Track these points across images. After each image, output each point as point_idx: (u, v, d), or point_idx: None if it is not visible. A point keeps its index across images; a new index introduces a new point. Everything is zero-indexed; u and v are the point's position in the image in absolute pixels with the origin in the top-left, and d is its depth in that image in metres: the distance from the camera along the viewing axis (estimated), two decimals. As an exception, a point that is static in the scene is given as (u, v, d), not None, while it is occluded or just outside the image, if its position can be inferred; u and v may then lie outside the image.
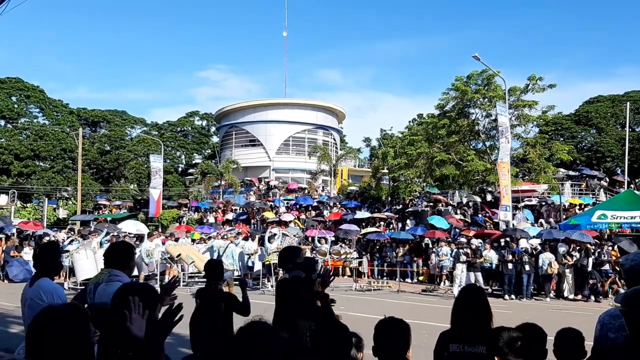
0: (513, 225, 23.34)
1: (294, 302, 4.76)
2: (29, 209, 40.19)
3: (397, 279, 21.96)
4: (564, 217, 24.25)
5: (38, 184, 48.39)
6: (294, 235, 25.46)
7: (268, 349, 2.30)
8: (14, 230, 24.39)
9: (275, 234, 20.91)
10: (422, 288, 20.81)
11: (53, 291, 4.46)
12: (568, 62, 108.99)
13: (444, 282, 21.25)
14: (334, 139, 56.72)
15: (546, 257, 18.43)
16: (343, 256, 22.94)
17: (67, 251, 19.27)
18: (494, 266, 19.56)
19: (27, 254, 20.28)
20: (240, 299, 5.42)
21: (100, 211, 39.49)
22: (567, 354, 3.09)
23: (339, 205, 35.30)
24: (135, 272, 16.31)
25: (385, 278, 23.08)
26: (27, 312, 4.55)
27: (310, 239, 26.08)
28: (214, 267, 5.72)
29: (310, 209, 35.86)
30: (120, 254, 4.66)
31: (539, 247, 19.54)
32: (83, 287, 8.78)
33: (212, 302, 5.20)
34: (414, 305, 16.39)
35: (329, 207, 35.02)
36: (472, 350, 2.93)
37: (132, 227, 26.91)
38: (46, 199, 40.31)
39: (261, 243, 21.16)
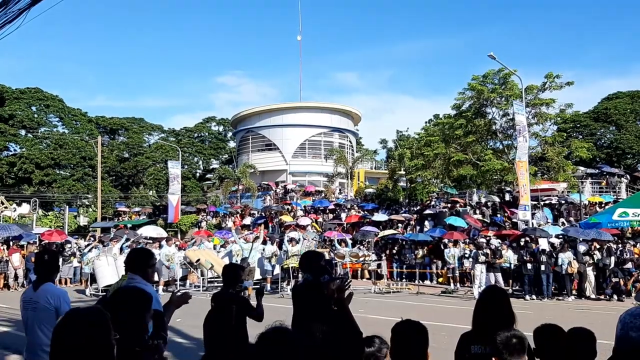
0: (532, 224, 23.13)
1: (305, 306, 4.80)
2: (50, 217, 40.73)
3: (416, 281, 21.87)
4: (585, 215, 23.99)
5: (59, 192, 49.09)
6: (312, 239, 25.49)
7: (290, 355, 2.33)
8: (36, 239, 24.69)
9: (293, 238, 20.92)
10: (442, 289, 20.68)
11: (60, 295, 4.66)
12: (586, 60, 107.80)
13: (455, 284, 21.00)
14: (350, 141, 56.69)
15: (566, 257, 18.22)
16: (361, 259, 22.89)
17: (82, 256, 19.46)
18: (512, 266, 19.37)
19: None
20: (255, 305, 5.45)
21: (120, 218, 39.88)
22: (573, 353, 3.07)
23: (357, 208, 35.24)
24: (156, 278, 16.43)
25: (404, 280, 22.98)
26: (32, 315, 4.69)
27: (328, 241, 26.11)
28: (231, 272, 5.78)
29: (327, 211, 35.85)
30: (139, 260, 4.73)
31: (559, 247, 19.33)
32: (104, 294, 8.90)
33: (225, 305, 5.25)
34: (434, 307, 16.31)
35: (346, 210, 34.99)
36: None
37: (152, 231, 27.16)
38: (67, 206, 40.82)
39: (279, 246, 21.23)
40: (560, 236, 20.65)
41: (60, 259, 21.74)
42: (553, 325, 3.16)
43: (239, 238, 22.33)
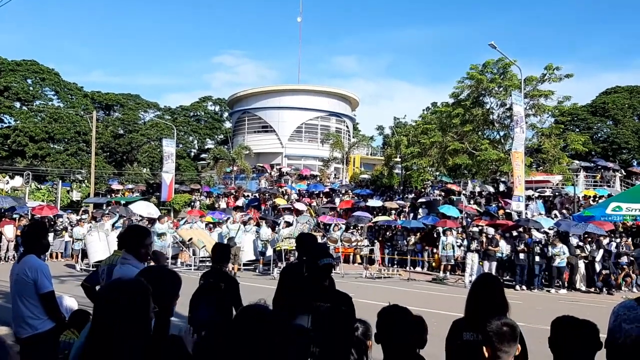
0: (525, 215, 23.19)
1: (294, 286, 4.75)
2: (43, 190, 40.51)
3: (407, 268, 21.94)
4: (578, 208, 24.06)
5: (52, 166, 48.80)
6: (306, 222, 25.50)
7: (266, 330, 2.35)
8: (29, 212, 24.57)
9: (288, 221, 20.96)
10: (432, 277, 20.76)
11: (38, 267, 4.58)
12: (585, 53, 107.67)
13: (445, 272, 21.01)
14: (346, 126, 56.54)
15: (557, 249, 18.28)
16: (354, 243, 22.94)
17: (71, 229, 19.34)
18: (504, 256, 19.43)
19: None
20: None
21: (114, 194, 39.73)
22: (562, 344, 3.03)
23: (351, 193, 35.24)
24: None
25: (395, 266, 23.06)
26: (14, 287, 4.66)
27: (322, 225, 26.13)
28: (221, 250, 5.76)
29: (321, 195, 35.84)
30: (134, 239, 4.69)
31: (551, 238, 19.38)
32: (94, 269, 8.85)
33: (213, 283, 5.24)
34: (424, 294, 16.37)
35: (340, 195, 34.98)
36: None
37: (143, 209, 26.93)
38: (60, 181, 40.60)
39: (273, 229, 21.27)
40: (553, 229, 20.69)
41: (52, 234, 21.73)
42: (571, 317, 3.09)
43: (227, 219, 22.35)
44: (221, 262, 5.68)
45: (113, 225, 19.67)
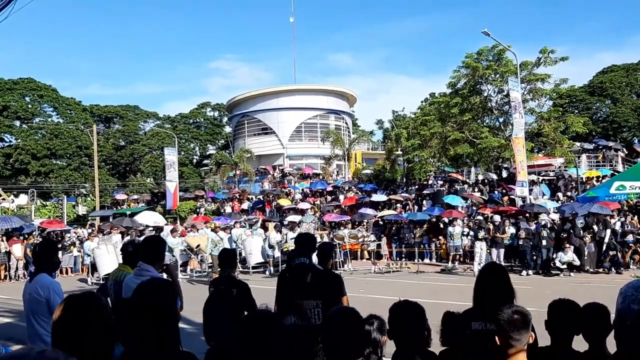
0: (530, 200, 23.20)
1: (299, 285, 4.82)
2: (49, 207, 40.66)
3: (415, 260, 21.97)
4: (582, 189, 24.06)
5: (56, 182, 49.02)
6: (311, 222, 25.58)
7: (270, 334, 2.42)
8: (36, 230, 24.67)
9: (292, 222, 21.02)
10: (441, 268, 20.79)
11: (49, 285, 4.62)
12: (580, 33, 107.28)
13: (453, 262, 21.00)
14: (346, 123, 56.55)
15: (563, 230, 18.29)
16: (360, 239, 22.99)
17: (81, 244, 19.40)
18: (515, 243, 19.40)
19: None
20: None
21: (119, 206, 39.85)
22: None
23: (355, 189, 35.27)
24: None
25: (404, 259, 23.10)
26: (28, 306, 4.72)
27: (327, 223, 26.21)
28: (228, 256, 5.79)
29: (325, 193, 35.88)
30: (152, 249, 4.76)
31: (558, 221, 19.39)
32: (105, 282, 8.93)
33: (225, 289, 5.26)
34: (434, 285, 16.41)
35: (344, 192, 35.02)
36: (494, 327, 2.94)
37: (148, 218, 27.09)
38: (65, 196, 40.73)
39: (279, 230, 21.34)
40: (560, 211, 20.69)
41: (60, 251, 21.83)
42: (568, 300, 3.17)
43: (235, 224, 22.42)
44: (229, 267, 5.70)
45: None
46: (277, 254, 20.23)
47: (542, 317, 3.16)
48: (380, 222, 26.15)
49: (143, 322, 2.46)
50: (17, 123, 54.16)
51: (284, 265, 19.41)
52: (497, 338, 2.76)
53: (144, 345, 2.46)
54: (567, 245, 18.00)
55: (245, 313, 5.06)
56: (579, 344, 3.08)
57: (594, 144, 36.11)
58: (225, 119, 65.44)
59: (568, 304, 3.14)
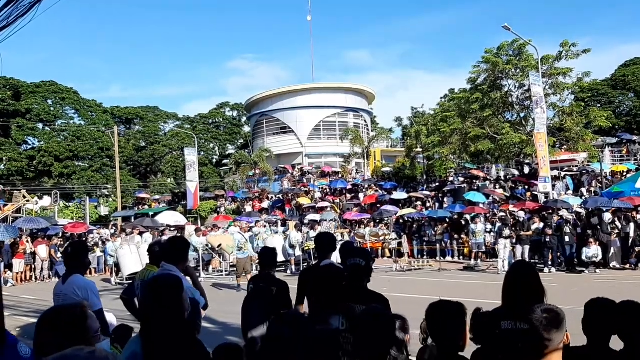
0: (553, 196, 22.90)
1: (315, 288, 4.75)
2: (72, 208, 41.24)
3: (437, 258, 21.83)
4: (607, 184, 23.69)
5: (79, 183, 49.68)
6: (331, 220, 25.59)
7: (296, 339, 2.41)
8: (60, 232, 25.00)
9: (313, 220, 21.04)
10: (464, 265, 20.62)
11: (86, 286, 4.66)
12: (602, 25, 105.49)
13: (476, 259, 20.74)
14: (364, 120, 56.40)
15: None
16: (382, 238, 22.91)
17: (104, 244, 19.62)
18: (542, 239, 19.10)
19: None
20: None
21: (141, 206, 40.25)
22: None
23: (374, 187, 35.15)
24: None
25: (425, 257, 22.96)
26: None
27: (347, 222, 26.18)
28: (268, 255, 5.73)
29: (345, 192, 35.84)
30: (175, 249, 4.78)
31: (583, 217, 19.09)
32: (130, 282, 9.00)
33: (264, 287, 5.22)
34: (457, 283, 16.29)
35: (364, 190, 34.93)
36: (525, 327, 2.87)
37: (170, 218, 27.29)
38: (87, 197, 41.29)
39: (299, 229, 21.38)
40: (584, 206, 20.38)
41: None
42: (605, 299, 3.09)
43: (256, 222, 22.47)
44: (269, 266, 5.63)
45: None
46: (298, 252, 20.28)
47: (571, 314, 3.08)
48: (401, 220, 26.03)
49: (153, 312, 2.59)
50: (40, 126, 55.02)
51: (305, 265, 19.48)
52: (529, 338, 2.69)
53: (158, 333, 2.56)
54: (592, 241, 17.72)
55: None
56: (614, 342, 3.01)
57: (617, 138, 35.53)
58: (244, 119, 65.70)
59: (606, 303, 3.06)
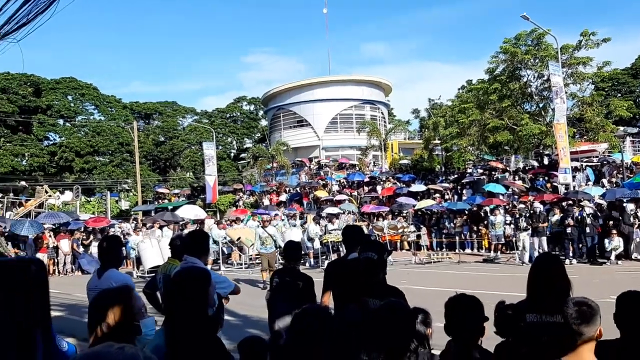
0: (574, 187, 22.66)
1: (341, 281, 4.76)
2: (93, 202, 41.77)
3: (457, 250, 21.74)
4: (627, 175, 23.37)
5: (99, 178, 50.30)
6: (349, 212, 25.60)
7: (321, 331, 2.44)
8: (82, 226, 25.34)
9: (331, 213, 21.08)
10: (484, 257, 20.52)
11: (123, 280, 4.72)
12: (622, 14, 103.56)
13: (495, 251, 20.59)
14: (381, 113, 56.17)
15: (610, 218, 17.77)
16: (400, 230, 22.87)
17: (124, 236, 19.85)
18: (563, 231, 18.89)
19: (95, 247, 21.07)
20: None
21: (160, 201, 40.62)
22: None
23: (392, 180, 35.06)
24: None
25: (444, 249, 22.88)
26: None
27: (365, 215, 26.17)
28: (293, 249, 5.77)
29: (362, 185, 35.81)
30: (197, 242, 4.84)
31: (604, 208, 18.85)
32: (152, 275, 9.12)
33: (290, 281, 5.26)
34: (477, 276, 16.23)
35: (381, 182, 34.86)
36: (550, 319, 2.87)
37: (190, 212, 27.48)
38: (108, 192, 41.75)
39: (317, 222, 21.45)
40: (604, 198, 20.12)
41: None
42: (637, 291, 3.00)
43: (275, 216, 22.54)
44: (294, 260, 5.67)
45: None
46: (317, 245, 20.34)
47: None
48: (419, 213, 25.94)
49: (176, 305, 2.69)
50: (61, 121, 55.70)
51: (324, 257, 19.54)
52: (556, 331, 2.66)
53: (181, 327, 2.64)
54: (614, 232, 17.51)
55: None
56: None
57: (638, 128, 34.98)
58: (261, 113, 65.84)
59: (638, 296, 2.99)
